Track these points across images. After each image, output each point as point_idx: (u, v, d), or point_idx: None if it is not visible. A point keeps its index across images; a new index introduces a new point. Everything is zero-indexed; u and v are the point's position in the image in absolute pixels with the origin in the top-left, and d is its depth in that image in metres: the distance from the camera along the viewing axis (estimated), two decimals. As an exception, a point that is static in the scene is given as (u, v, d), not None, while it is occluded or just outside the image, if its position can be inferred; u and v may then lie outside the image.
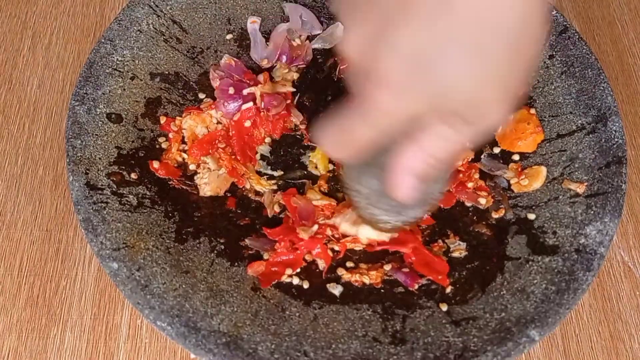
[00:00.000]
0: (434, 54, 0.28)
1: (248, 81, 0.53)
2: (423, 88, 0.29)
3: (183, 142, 0.52)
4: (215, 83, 0.54)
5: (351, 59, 0.31)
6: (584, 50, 0.52)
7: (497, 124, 0.30)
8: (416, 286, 0.46)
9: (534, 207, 0.49)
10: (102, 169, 0.47)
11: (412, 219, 0.43)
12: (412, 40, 0.28)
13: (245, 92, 0.52)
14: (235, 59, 0.55)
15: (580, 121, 0.50)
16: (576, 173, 0.49)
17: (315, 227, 0.48)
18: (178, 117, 0.52)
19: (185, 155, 0.52)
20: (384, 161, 0.35)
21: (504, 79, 0.29)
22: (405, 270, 0.47)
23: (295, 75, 0.56)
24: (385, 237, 0.47)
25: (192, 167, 0.51)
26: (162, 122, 0.52)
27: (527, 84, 0.30)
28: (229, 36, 0.57)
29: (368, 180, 0.42)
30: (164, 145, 0.51)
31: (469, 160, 0.52)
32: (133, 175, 0.48)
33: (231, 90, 0.52)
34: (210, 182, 0.50)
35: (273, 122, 0.53)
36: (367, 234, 0.47)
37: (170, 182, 0.50)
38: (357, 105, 0.31)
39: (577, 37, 0.53)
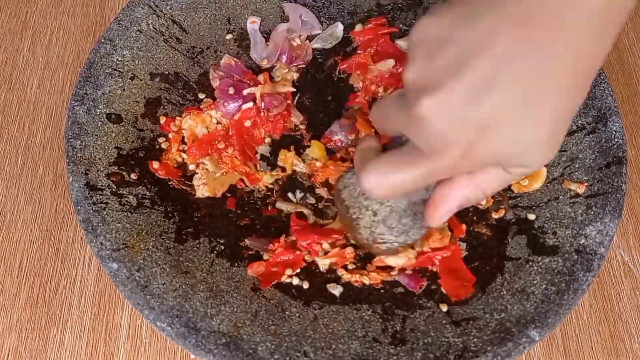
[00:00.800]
0: (500, 118, 0.30)
1: (248, 81, 0.53)
2: (485, 150, 0.31)
3: (183, 142, 0.52)
4: (215, 83, 0.54)
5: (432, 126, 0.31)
6: (584, 50, 0.52)
7: (542, 164, 0.35)
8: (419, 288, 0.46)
9: (534, 208, 0.49)
10: (101, 169, 0.47)
11: (412, 240, 0.42)
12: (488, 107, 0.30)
13: (245, 92, 0.52)
14: (235, 59, 0.55)
15: (580, 121, 0.50)
16: (576, 173, 0.49)
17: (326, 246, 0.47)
18: (178, 117, 0.52)
19: (185, 156, 0.51)
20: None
21: (554, 133, 0.33)
22: (409, 272, 0.46)
23: (295, 75, 0.56)
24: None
25: (191, 167, 0.51)
26: (162, 122, 0.52)
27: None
28: (228, 36, 0.57)
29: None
30: (163, 146, 0.51)
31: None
32: (133, 176, 0.48)
33: (231, 91, 0.52)
34: (207, 183, 0.50)
35: (273, 122, 0.53)
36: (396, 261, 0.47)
37: (170, 183, 0.50)
38: (415, 160, 0.33)
39: (578, 37, 0.53)
